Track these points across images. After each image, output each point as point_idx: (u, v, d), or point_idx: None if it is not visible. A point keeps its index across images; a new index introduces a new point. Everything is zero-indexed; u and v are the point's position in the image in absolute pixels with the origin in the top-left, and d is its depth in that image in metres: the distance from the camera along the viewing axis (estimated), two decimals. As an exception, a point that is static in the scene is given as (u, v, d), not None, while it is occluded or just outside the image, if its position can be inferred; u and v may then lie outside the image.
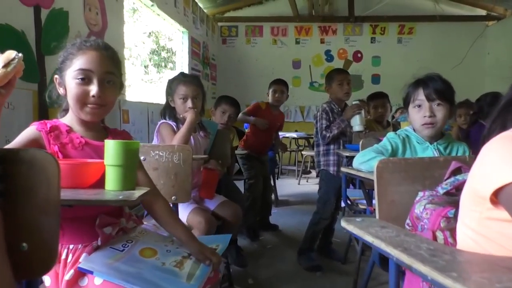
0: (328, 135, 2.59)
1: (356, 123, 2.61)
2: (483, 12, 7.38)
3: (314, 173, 6.18)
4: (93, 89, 1.13)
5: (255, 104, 3.37)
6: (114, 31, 3.41)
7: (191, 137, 2.03)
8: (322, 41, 7.77)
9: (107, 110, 1.19)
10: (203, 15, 6.63)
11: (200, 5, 6.52)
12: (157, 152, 1.52)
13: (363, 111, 2.63)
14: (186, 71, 5.78)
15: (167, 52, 9.28)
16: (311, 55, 7.77)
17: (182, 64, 5.79)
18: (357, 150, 2.14)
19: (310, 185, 5.83)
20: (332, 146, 2.66)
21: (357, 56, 7.75)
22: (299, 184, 5.87)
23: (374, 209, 1.85)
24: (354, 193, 2.52)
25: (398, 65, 7.54)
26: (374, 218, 0.93)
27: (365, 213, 2.14)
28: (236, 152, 2.93)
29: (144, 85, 8.96)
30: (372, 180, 1.37)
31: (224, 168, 2.49)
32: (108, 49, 1.19)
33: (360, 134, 2.65)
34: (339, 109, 2.72)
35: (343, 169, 1.56)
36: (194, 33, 6.03)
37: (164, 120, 2.02)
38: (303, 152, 6.38)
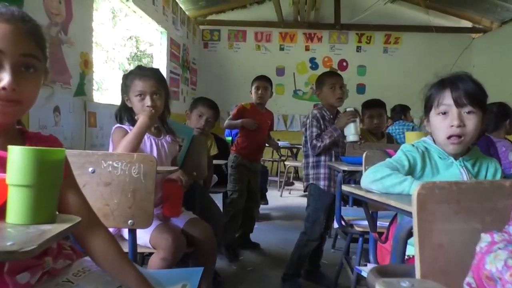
0: (319, 144, 2.28)
1: (350, 133, 2.31)
2: (469, 24, 7.31)
3: (297, 184, 5.89)
4: (4, 78, 0.78)
5: (239, 106, 3.06)
6: (81, 24, 3.05)
7: (154, 144, 1.69)
8: (307, 48, 7.55)
9: (25, 107, 0.83)
10: (184, 16, 6.30)
11: (182, 6, 6.20)
12: (110, 162, 1.18)
13: (358, 119, 2.34)
14: (164, 73, 5.42)
15: (147, 57, 8.91)
16: (295, 62, 7.54)
17: (160, 66, 5.42)
18: (357, 164, 1.85)
19: (293, 197, 5.52)
20: (323, 158, 2.36)
21: (342, 65, 7.55)
22: (281, 196, 5.56)
23: (379, 234, 1.56)
24: (347, 212, 2.21)
25: (384, 75, 7.39)
26: (424, 281, 0.61)
27: (366, 237, 1.84)
28: (214, 161, 2.58)
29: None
30: (382, 204, 1.06)
31: (200, 179, 2.15)
32: (28, 22, 0.82)
33: (355, 144, 2.36)
34: (331, 116, 2.43)
35: (345, 188, 1.25)
36: (173, 34, 5.69)
37: (119, 124, 1.68)
38: (286, 163, 6.08)
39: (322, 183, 2.33)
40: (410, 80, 7.34)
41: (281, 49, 7.56)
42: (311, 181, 2.37)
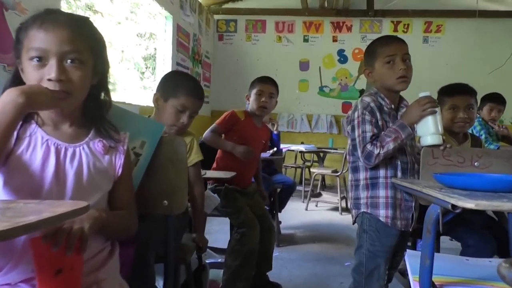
0: (376, 151, 1.41)
1: (429, 131, 1.43)
2: (525, 8, 6.26)
3: (325, 195, 4.99)
4: None
5: (231, 112, 2.20)
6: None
7: (53, 155, 0.87)
8: (334, 39, 6.66)
9: None
10: (194, 3, 5.52)
11: (193, -8, 5.43)
12: None
13: (439, 110, 1.46)
14: (169, 65, 4.64)
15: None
16: (321, 55, 6.66)
17: (164, 56, 4.65)
18: (476, 189, 0.97)
19: (320, 212, 4.63)
20: (382, 172, 1.48)
21: (376, 58, 6.61)
22: (306, 209, 4.67)
23: None
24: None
25: (424, 69, 6.37)
26: None
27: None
28: (207, 172, 1.70)
29: (141, 91, 7.97)
30: None
31: (177, 212, 1.28)
32: None
33: (435, 150, 1.48)
34: (392, 106, 1.56)
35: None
36: (181, 21, 4.91)
37: None
38: (311, 169, 5.20)
39: (382, 213, 1.45)
40: (454, 74, 6.31)
41: (305, 40, 6.69)
42: (363, 209, 1.49)
